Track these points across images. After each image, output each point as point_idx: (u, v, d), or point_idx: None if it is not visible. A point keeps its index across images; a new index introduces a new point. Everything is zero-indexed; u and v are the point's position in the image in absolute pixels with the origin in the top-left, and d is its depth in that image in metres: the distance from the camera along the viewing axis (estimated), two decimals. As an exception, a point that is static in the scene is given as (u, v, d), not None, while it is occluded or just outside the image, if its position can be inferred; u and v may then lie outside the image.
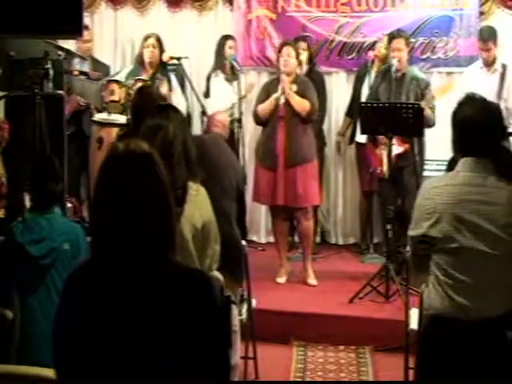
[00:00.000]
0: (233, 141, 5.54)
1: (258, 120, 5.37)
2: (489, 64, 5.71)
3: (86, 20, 6.60)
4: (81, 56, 5.84)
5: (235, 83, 6.00)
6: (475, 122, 2.62)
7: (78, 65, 5.98)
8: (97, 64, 6.27)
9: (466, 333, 2.55)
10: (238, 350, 3.74)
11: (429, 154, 5.57)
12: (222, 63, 6.18)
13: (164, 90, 5.58)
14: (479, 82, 5.57)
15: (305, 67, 5.96)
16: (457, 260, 2.57)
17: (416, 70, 5.59)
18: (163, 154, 2.89)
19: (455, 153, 2.71)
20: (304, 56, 5.91)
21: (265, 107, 5.29)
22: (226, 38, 6.27)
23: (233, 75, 6.12)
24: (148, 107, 4.48)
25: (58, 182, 3.32)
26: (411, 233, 2.71)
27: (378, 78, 5.66)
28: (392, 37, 5.67)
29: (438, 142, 5.40)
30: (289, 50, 5.31)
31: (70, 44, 5.41)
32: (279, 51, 5.37)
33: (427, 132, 5.26)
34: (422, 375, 2.73)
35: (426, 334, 2.71)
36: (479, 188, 2.57)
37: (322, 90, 6.07)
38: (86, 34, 6.20)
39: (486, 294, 2.55)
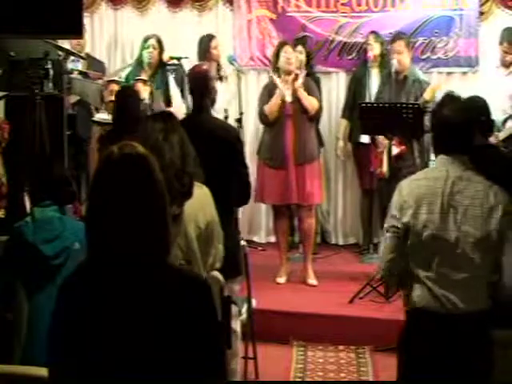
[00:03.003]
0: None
1: (266, 120, 5.34)
2: (508, 65, 5.72)
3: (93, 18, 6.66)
4: (79, 55, 5.84)
5: (224, 83, 5.98)
6: (451, 122, 2.67)
7: (70, 63, 5.98)
8: (92, 61, 6.25)
9: (445, 326, 2.58)
10: (238, 354, 3.74)
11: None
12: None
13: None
14: (495, 83, 5.57)
15: (303, 69, 5.95)
16: (436, 253, 2.59)
17: (419, 72, 5.57)
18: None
19: (434, 151, 2.76)
20: (302, 58, 5.90)
21: (272, 105, 5.26)
22: (209, 38, 6.14)
23: (221, 75, 6.06)
24: (133, 106, 4.52)
25: (71, 182, 3.34)
26: (387, 224, 2.70)
27: (382, 81, 5.71)
28: (392, 39, 5.70)
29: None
30: (290, 49, 5.32)
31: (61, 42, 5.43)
32: (277, 51, 5.36)
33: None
34: (404, 371, 2.74)
35: (406, 328, 2.73)
36: (456, 180, 2.61)
37: (319, 91, 6.07)
38: None
39: (464, 288, 2.57)
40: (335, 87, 6.58)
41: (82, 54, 6.15)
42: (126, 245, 1.75)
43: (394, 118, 4.94)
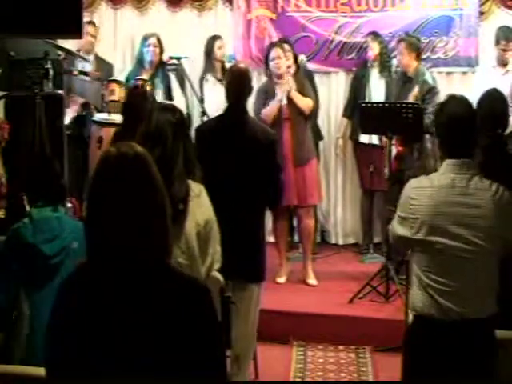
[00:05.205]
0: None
1: (264, 124, 5.31)
2: (505, 64, 5.72)
3: (92, 18, 6.66)
4: (82, 56, 5.84)
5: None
6: (462, 122, 2.62)
7: (79, 64, 5.98)
8: (101, 63, 6.26)
9: (449, 333, 2.57)
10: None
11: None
12: (211, 65, 6.14)
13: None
14: (493, 83, 5.58)
15: (293, 68, 5.95)
16: (438, 262, 2.58)
17: (426, 75, 5.54)
18: (162, 169, 2.90)
19: (441, 154, 2.71)
20: (290, 57, 5.89)
21: (269, 112, 5.21)
22: (214, 38, 6.21)
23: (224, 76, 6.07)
24: (142, 106, 4.51)
25: (63, 181, 3.34)
26: (400, 232, 2.69)
27: (388, 85, 5.80)
28: (397, 40, 5.74)
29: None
30: (278, 52, 5.23)
31: (70, 42, 5.43)
32: (267, 54, 5.31)
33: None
34: (407, 375, 2.74)
35: (410, 333, 2.72)
36: (462, 189, 2.57)
37: (313, 85, 6.06)
38: (91, 29, 6.23)
39: (467, 298, 2.56)
40: (335, 87, 6.58)
41: (91, 55, 6.17)
42: (124, 244, 1.75)
43: (394, 118, 4.94)
